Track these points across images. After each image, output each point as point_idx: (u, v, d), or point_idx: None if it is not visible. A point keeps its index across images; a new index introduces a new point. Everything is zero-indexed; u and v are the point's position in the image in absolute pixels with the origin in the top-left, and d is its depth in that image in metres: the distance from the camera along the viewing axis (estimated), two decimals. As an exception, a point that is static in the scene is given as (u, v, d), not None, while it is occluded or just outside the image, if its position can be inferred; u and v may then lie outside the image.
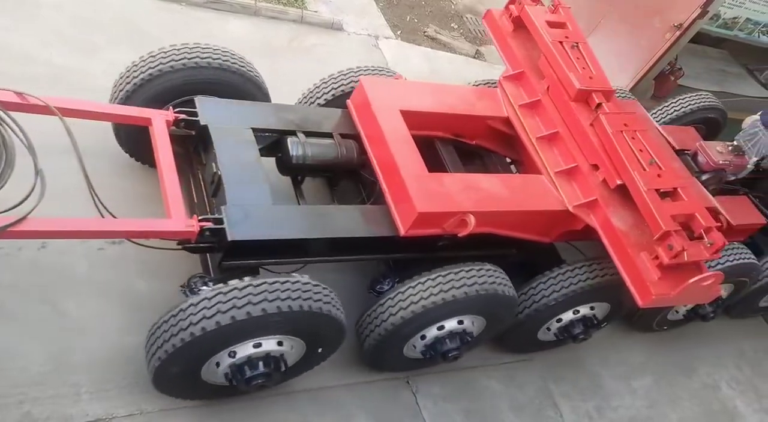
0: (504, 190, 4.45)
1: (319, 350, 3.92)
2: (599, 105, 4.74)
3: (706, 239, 4.11)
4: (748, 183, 6.52)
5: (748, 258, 5.43)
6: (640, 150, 4.47)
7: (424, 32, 8.64)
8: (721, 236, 4.11)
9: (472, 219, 4.09)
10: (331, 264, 4.57)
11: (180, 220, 3.69)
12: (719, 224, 4.17)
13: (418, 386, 4.80)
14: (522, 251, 4.92)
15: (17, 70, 5.07)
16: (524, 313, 4.75)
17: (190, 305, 3.39)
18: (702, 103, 6.88)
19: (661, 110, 6.90)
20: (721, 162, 5.81)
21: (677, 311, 5.93)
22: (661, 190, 4.30)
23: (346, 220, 4.10)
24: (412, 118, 4.59)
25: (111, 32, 5.94)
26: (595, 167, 4.59)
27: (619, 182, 4.42)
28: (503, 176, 4.66)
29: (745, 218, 5.82)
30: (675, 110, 6.84)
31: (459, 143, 5.12)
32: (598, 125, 4.60)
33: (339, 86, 4.93)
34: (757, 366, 6.67)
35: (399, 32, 8.33)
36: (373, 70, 5.12)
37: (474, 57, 8.73)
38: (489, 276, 4.25)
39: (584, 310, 4.88)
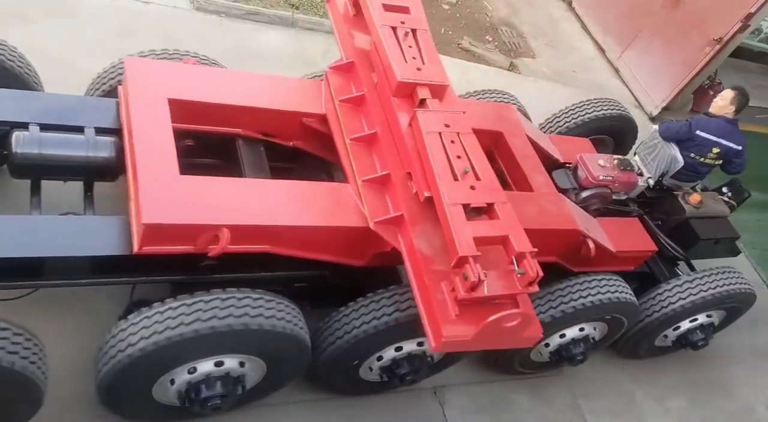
0: (289, 201, 3.65)
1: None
2: (423, 101, 3.94)
3: (516, 269, 3.28)
4: (649, 203, 5.71)
5: (617, 292, 4.59)
6: (458, 157, 3.66)
7: (458, 44, 8.47)
8: (535, 264, 3.28)
9: (225, 234, 3.27)
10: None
11: None
12: (534, 249, 3.34)
13: (446, 397, 4.75)
14: (344, 274, 4.10)
15: (54, 76, 4.61)
16: (327, 352, 3.91)
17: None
18: (604, 111, 6.06)
19: (558, 116, 6.08)
20: (601, 178, 5.00)
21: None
22: (472, 205, 3.47)
23: (52, 235, 3.26)
24: (188, 109, 3.80)
25: (146, 42, 5.34)
26: (410, 175, 3.78)
27: (427, 194, 3.59)
28: (298, 184, 3.83)
29: (632, 243, 4.99)
30: (572, 118, 6.02)
31: (275, 144, 4.32)
32: (414, 125, 3.79)
33: None
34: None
35: (434, 44, 7.73)
36: None
37: (508, 69, 8.53)
38: (255, 307, 3.42)
39: (409, 346, 4.04)
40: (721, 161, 5.52)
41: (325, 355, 3.90)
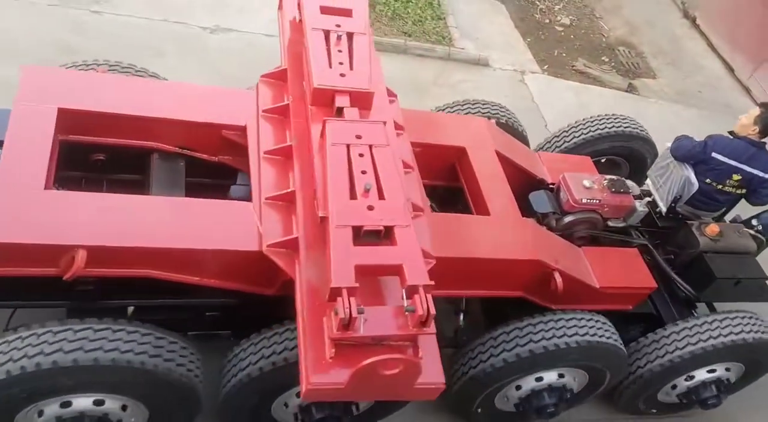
0: (172, 220, 3.24)
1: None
2: (340, 110, 3.47)
3: (405, 304, 2.71)
4: (661, 233, 4.92)
5: (589, 335, 3.86)
6: (363, 172, 3.14)
7: (573, 66, 8.39)
8: (427, 300, 2.68)
9: (81, 256, 2.91)
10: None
11: None
12: (430, 283, 2.75)
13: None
14: (259, 304, 3.64)
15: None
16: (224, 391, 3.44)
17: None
18: (615, 129, 5.32)
19: (558, 135, 5.41)
20: (585, 201, 4.30)
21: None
22: (366, 228, 2.94)
23: None
24: (88, 121, 3.53)
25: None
26: (315, 193, 3.29)
27: (322, 214, 3.09)
28: (190, 202, 3.43)
29: (623, 278, 4.25)
30: (574, 136, 5.32)
31: (200, 159, 3.97)
32: (324, 136, 3.31)
33: None
34: None
35: (546, 67, 8.19)
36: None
37: (627, 91, 8.31)
38: (127, 340, 3.03)
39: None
40: (744, 190, 4.67)
41: (223, 394, 3.45)
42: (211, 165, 3.99)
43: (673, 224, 4.87)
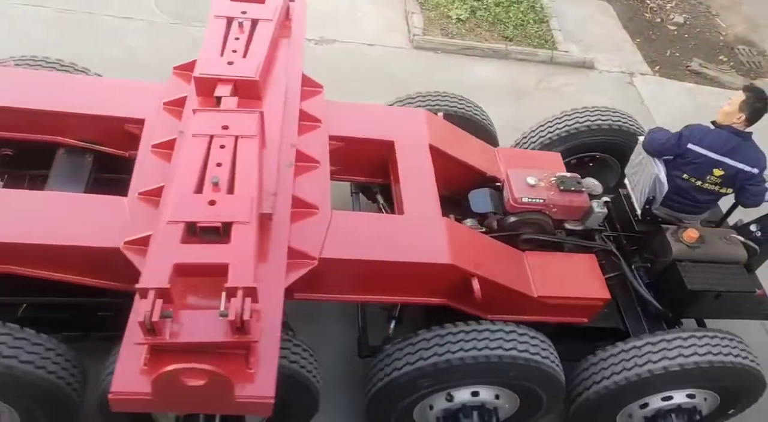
0: (34, 215, 3.13)
1: None
2: (219, 99, 3.25)
3: (222, 308, 2.44)
4: (638, 238, 4.37)
5: (503, 350, 3.41)
6: (218, 164, 2.90)
7: (687, 67, 8.01)
8: (245, 305, 2.40)
9: None
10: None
11: None
12: (252, 286, 2.46)
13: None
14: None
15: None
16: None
17: None
18: (598, 123, 4.80)
19: (534, 129, 4.94)
20: (525, 200, 3.86)
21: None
22: (200, 224, 2.69)
23: None
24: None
25: (371, 80, 6.35)
26: (170, 188, 3.08)
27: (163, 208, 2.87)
28: (58, 196, 3.33)
29: (569, 288, 3.77)
30: (551, 131, 4.84)
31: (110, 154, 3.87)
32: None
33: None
34: None
35: (657, 68, 7.89)
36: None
37: None
38: None
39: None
40: (729, 188, 4.06)
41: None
42: (125, 161, 3.88)
43: (651, 228, 4.31)
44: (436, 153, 4.01)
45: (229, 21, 3.61)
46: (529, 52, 7.33)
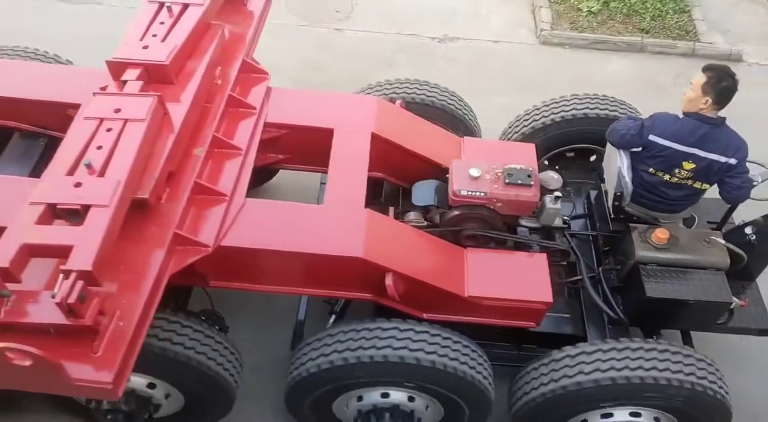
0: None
1: None
2: (125, 83, 3.26)
3: (56, 289, 2.43)
4: (612, 238, 3.99)
5: (408, 350, 3.18)
6: (98, 147, 2.90)
7: None
8: (76, 287, 2.36)
9: None
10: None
11: None
12: (86, 269, 2.41)
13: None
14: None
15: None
16: None
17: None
18: (585, 112, 4.40)
19: (520, 118, 4.62)
20: (464, 193, 3.60)
21: None
22: (59, 206, 2.70)
23: None
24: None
25: (494, 78, 6.35)
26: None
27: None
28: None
29: (507, 289, 3.48)
30: (533, 121, 4.51)
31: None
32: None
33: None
34: None
35: None
36: None
37: None
38: None
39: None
40: (704, 183, 3.59)
41: None
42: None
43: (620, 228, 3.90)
44: (381, 142, 3.82)
45: (161, 6, 3.61)
46: (668, 44, 6.83)
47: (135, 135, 2.96)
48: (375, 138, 3.81)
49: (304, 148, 3.94)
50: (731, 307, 3.56)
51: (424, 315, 3.55)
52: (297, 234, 3.31)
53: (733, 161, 3.45)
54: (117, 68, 3.33)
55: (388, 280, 3.25)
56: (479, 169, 3.64)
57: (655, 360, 3.22)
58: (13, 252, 2.51)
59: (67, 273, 2.45)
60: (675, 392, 3.19)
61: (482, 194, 3.59)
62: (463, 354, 3.33)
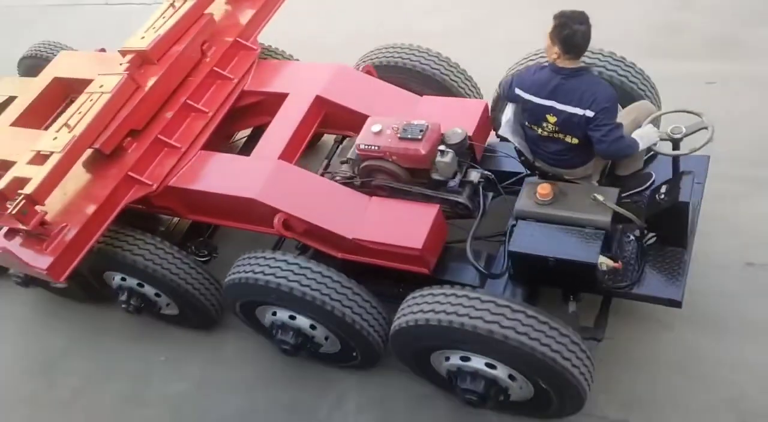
0: None
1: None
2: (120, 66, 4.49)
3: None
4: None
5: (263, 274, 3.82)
6: (79, 112, 4.18)
7: None
8: (23, 205, 3.70)
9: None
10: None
11: None
12: (27, 193, 3.66)
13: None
14: None
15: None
16: None
17: None
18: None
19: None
20: (363, 147, 4.07)
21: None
22: (41, 151, 4.03)
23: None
24: None
25: None
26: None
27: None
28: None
29: (387, 234, 3.87)
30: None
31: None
32: (98, 87, 4.46)
33: None
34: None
35: None
36: None
37: None
38: None
39: None
40: (573, 137, 3.43)
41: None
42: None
43: (537, 183, 3.85)
44: (323, 103, 4.43)
45: (171, 5, 4.74)
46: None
47: (100, 103, 4.18)
48: (319, 100, 4.43)
49: (272, 112, 4.70)
50: (600, 268, 3.35)
51: (338, 255, 4.11)
52: (220, 179, 4.20)
53: (589, 113, 3.24)
54: (122, 55, 4.59)
55: (277, 219, 3.94)
56: (381, 125, 4.01)
57: (486, 312, 3.23)
58: (5, 183, 3.95)
59: (20, 195, 3.79)
60: (500, 346, 3.21)
61: (376, 148, 3.97)
62: (338, 293, 3.82)
